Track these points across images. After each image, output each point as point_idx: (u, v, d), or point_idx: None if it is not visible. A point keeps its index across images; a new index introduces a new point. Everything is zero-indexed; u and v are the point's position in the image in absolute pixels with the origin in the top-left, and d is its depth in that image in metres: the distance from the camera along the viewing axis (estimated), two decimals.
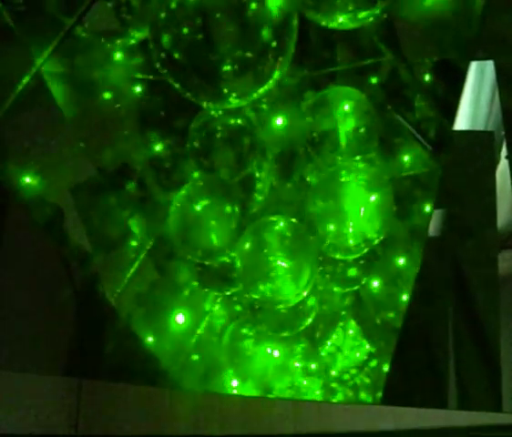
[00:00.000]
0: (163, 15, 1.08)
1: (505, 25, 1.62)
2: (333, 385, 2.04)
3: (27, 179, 1.54)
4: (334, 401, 1.96)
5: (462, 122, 2.15)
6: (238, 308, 1.88)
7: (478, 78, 2.18)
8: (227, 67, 1.11)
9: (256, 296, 1.61)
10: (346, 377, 2.04)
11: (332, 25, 1.25)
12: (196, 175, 1.66)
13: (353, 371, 2.03)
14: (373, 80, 1.66)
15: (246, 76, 1.14)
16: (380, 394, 1.87)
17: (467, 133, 2.11)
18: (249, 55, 1.11)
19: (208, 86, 1.15)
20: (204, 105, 1.23)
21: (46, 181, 1.57)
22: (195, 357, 1.87)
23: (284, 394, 1.92)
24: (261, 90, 1.17)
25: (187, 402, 1.40)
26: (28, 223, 1.65)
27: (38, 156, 1.56)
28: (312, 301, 1.80)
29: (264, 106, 1.64)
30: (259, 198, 1.72)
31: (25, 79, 1.28)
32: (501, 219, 2.08)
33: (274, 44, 1.11)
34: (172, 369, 1.72)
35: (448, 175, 1.80)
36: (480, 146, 2.04)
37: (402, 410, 1.70)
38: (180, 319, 1.80)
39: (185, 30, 1.06)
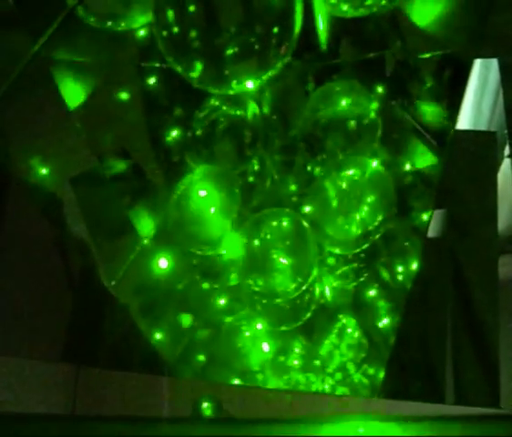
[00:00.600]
0: None
1: (510, 22, 1.62)
2: (331, 383, 2.02)
3: (29, 166, 1.54)
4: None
5: (464, 124, 2.14)
6: (236, 301, 1.87)
7: (481, 81, 2.17)
8: (230, 51, 1.10)
9: (255, 288, 1.61)
10: (344, 375, 2.02)
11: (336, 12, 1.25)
12: (197, 165, 1.65)
13: (351, 370, 2.02)
14: (377, 74, 1.65)
15: (249, 60, 1.13)
16: (376, 394, 1.86)
17: (469, 132, 2.10)
18: (252, 39, 1.10)
19: (211, 70, 1.14)
20: (210, 90, 1.22)
21: (47, 169, 1.57)
22: (193, 350, 1.86)
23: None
24: (265, 76, 1.17)
25: (184, 389, 1.40)
26: (27, 210, 1.64)
27: (39, 142, 1.56)
28: (310, 296, 1.79)
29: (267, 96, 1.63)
30: (260, 190, 1.72)
31: (26, 61, 1.28)
32: (501, 223, 2.06)
33: (278, 28, 1.11)
34: (170, 361, 1.71)
35: (449, 174, 1.79)
36: (482, 145, 2.03)
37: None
38: (179, 312, 1.78)
39: (189, 10, 1.06)
